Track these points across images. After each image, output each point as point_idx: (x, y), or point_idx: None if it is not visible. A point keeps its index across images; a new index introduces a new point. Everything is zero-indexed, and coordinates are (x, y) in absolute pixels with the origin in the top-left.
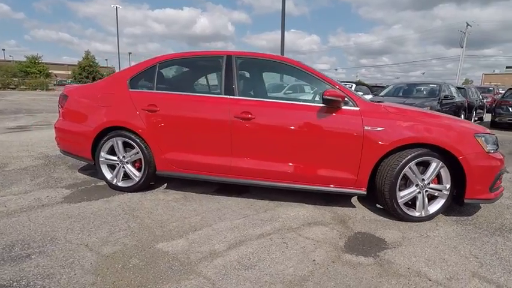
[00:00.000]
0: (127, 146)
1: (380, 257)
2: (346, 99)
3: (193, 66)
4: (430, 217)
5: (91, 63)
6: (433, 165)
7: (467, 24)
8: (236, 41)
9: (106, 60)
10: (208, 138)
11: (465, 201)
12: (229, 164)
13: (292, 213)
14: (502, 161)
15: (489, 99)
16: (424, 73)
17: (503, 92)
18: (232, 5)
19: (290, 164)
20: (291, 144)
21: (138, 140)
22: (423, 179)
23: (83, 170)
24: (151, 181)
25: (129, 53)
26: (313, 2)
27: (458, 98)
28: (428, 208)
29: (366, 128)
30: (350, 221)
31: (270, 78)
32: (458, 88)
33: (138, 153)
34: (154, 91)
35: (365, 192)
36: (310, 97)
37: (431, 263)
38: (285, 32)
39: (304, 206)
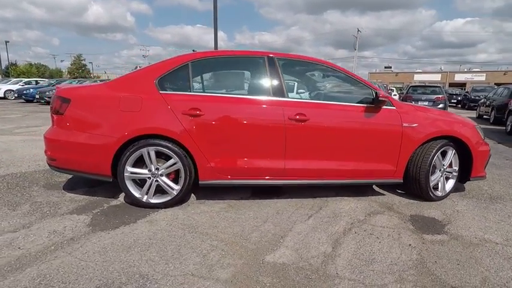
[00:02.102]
0: (157, 157)
1: (449, 233)
2: None
3: (230, 66)
4: (446, 195)
5: None
6: (449, 152)
7: (358, 30)
8: (138, 33)
9: None
10: (261, 142)
11: (470, 179)
12: (283, 166)
13: (346, 207)
14: (489, 146)
15: None
16: None
17: (393, 88)
18: None
19: (342, 161)
20: (342, 143)
21: (176, 149)
22: (443, 165)
23: (69, 189)
24: (188, 194)
25: (7, 42)
26: None
27: None
28: (445, 188)
29: (404, 124)
30: (395, 207)
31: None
32: None
33: (176, 163)
34: (194, 93)
35: (402, 181)
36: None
37: (484, 230)
38: (190, 27)
39: (345, 199)
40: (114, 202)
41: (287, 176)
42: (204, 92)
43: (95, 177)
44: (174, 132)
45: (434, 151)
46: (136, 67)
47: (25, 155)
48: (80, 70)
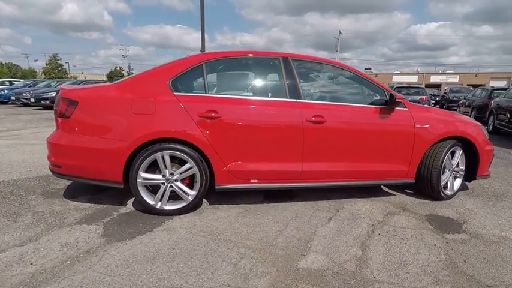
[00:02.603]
0: (171, 161)
1: (468, 232)
2: None
3: (245, 67)
4: (454, 194)
5: None
6: (457, 152)
7: (340, 32)
8: (116, 33)
9: None
10: (279, 144)
11: (476, 178)
12: (300, 169)
13: (362, 208)
14: (492, 146)
15: None
16: None
17: None
18: None
19: (357, 163)
20: (358, 145)
21: (192, 153)
22: (452, 164)
23: (71, 197)
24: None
25: None
26: None
27: None
28: (454, 187)
29: (417, 125)
30: (409, 207)
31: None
32: None
33: (192, 168)
34: (210, 95)
35: (414, 181)
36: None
37: (500, 228)
38: (170, 27)
39: (359, 200)
40: (123, 210)
41: (304, 178)
42: (219, 93)
43: (104, 184)
44: (191, 136)
45: (445, 151)
46: (116, 68)
47: (13, 160)
48: (56, 70)
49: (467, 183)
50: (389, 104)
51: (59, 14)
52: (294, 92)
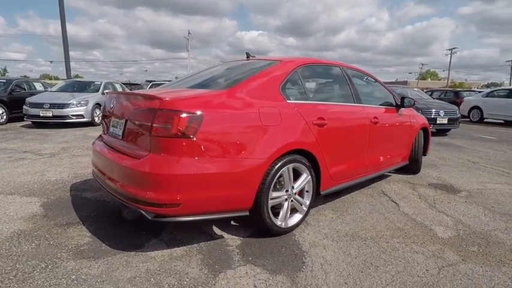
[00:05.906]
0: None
1: (463, 190)
2: None
3: (322, 74)
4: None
5: None
6: (422, 138)
7: (189, 32)
8: None
9: None
10: (358, 144)
11: (426, 155)
12: (366, 163)
13: (394, 187)
14: None
15: None
16: (146, 70)
17: None
18: None
19: (389, 153)
20: (390, 138)
21: (307, 162)
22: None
23: (128, 247)
24: None
25: None
26: None
27: None
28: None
29: (412, 120)
30: (411, 181)
31: None
32: None
33: (307, 177)
34: (313, 101)
35: (408, 162)
36: None
37: (470, 184)
38: None
39: (379, 183)
40: (231, 241)
41: (367, 172)
42: (313, 99)
43: (229, 216)
44: (309, 144)
45: (422, 138)
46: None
47: None
48: None
49: None
50: (400, 106)
51: None
52: (358, 97)
